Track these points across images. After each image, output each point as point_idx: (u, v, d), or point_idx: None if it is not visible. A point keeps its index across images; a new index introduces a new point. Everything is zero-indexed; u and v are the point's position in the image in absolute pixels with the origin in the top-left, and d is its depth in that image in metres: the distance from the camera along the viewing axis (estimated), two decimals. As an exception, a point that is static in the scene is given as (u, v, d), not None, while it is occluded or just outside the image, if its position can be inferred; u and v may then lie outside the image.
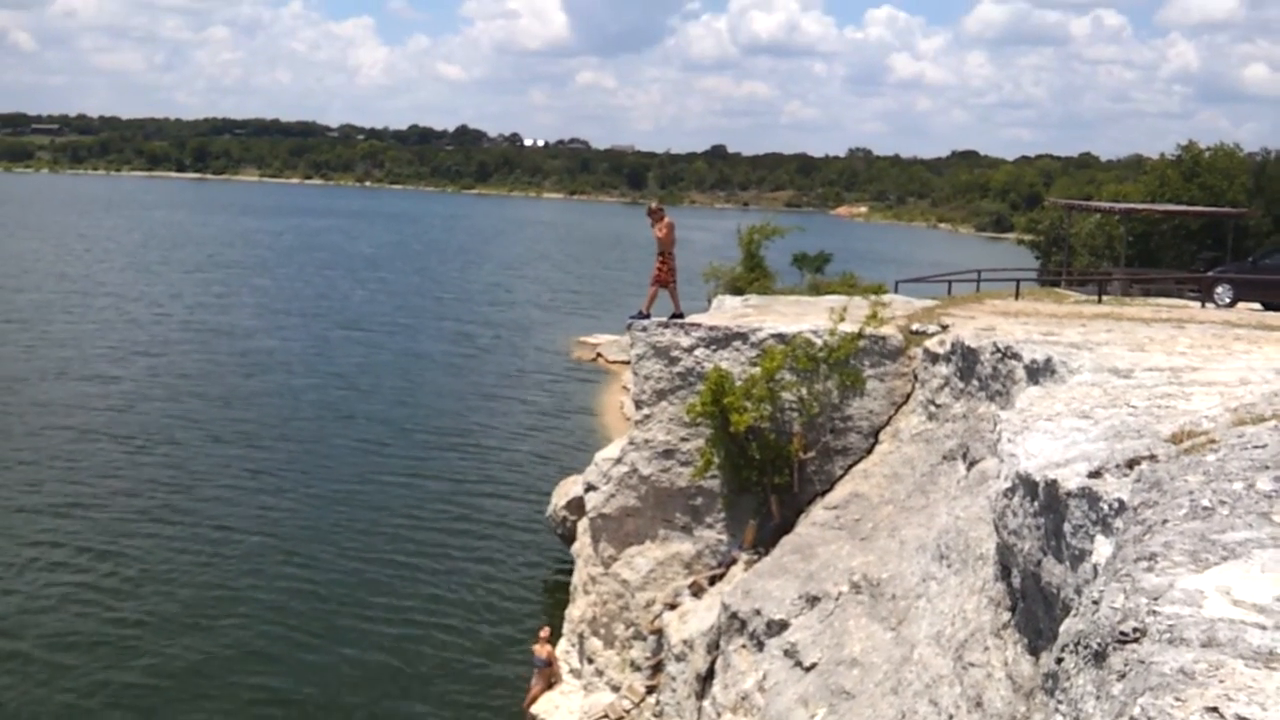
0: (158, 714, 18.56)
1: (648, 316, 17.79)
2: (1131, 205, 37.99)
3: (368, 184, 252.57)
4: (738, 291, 35.81)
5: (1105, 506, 5.17)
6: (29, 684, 19.19)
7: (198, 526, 26.87)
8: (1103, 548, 5.03)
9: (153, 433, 34.99)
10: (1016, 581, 6.73)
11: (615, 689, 17.39)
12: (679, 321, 17.75)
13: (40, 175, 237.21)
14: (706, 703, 14.02)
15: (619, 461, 17.76)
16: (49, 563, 24.42)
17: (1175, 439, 5.80)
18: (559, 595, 21.94)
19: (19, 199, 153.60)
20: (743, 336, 17.03)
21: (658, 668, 16.31)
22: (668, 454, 17.26)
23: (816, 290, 38.10)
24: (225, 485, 30.09)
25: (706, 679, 14.42)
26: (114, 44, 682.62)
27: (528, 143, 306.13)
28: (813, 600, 12.71)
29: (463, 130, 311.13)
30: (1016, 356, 12.25)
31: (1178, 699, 2.72)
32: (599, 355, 50.07)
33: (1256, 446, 4.91)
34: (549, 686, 18.75)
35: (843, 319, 16.45)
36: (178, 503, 28.53)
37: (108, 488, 29.46)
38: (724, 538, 16.99)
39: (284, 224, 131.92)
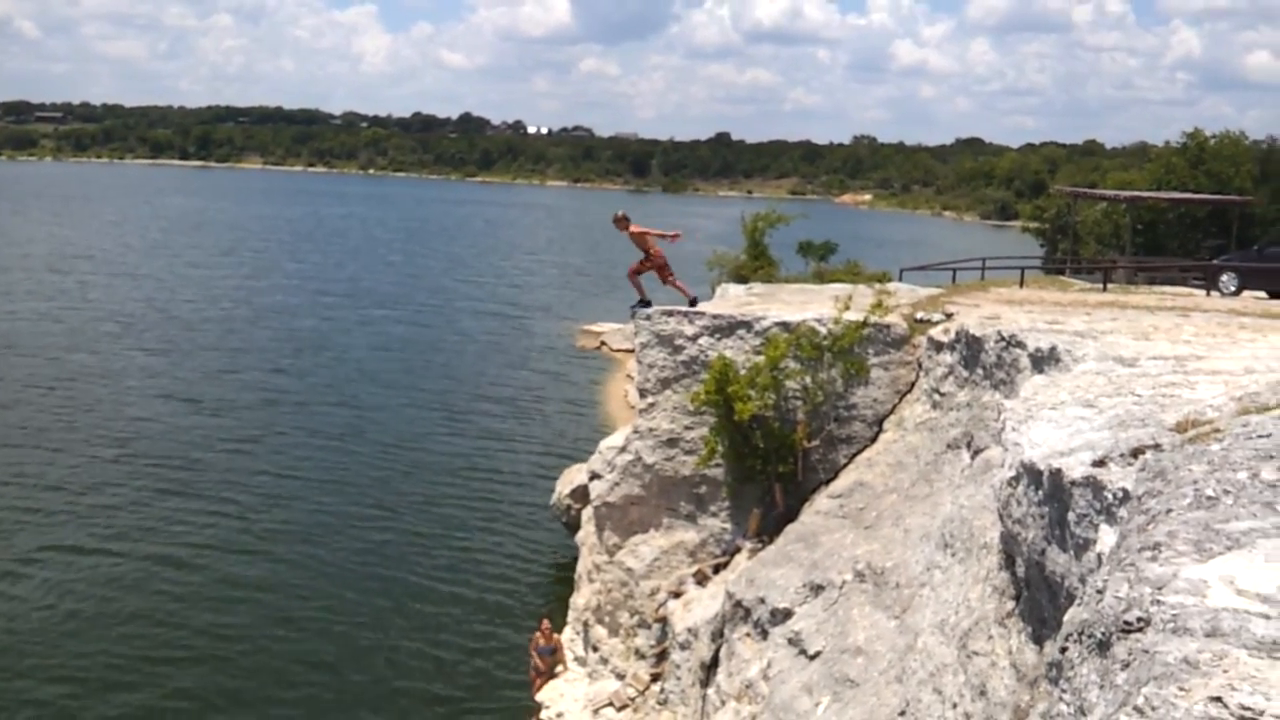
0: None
1: (649, 304, 17.76)
2: (1137, 193, 37.89)
3: (371, 171, 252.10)
4: (742, 280, 35.80)
5: (1109, 496, 5.17)
6: (101, 623, 21.28)
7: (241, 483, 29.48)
8: (1107, 537, 5.04)
9: (205, 399, 37.69)
10: (1020, 570, 6.74)
11: (620, 677, 17.44)
12: (689, 310, 17.60)
13: (44, 163, 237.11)
14: (711, 691, 14.05)
15: (623, 450, 17.77)
16: (133, 510, 27.01)
17: (1180, 428, 5.79)
18: (563, 583, 21.98)
19: (31, 187, 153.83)
20: (747, 325, 17.00)
21: (662, 656, 16.36)
22: (672, 442, 17.26)
23: (821, 278, 38.03)
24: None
25: (711, 667, 14.45)
26: (117, 31, 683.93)
27: (531, 130, 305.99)
28: (817, 589, 12.72)
29: (466, 118, 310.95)
30: (1021, 345, 12.23)
31: (1181, 689, 2.72)
32: (603, 343, 50.05)
33: (1261, 436, 4.89)
34: (553, 675, 18.80)
35: (847, 307, 16.41)
36: (233, 460, 31.41)
37: (171, 444, 32.46)
38: (728, 526, 17.01)
39: (297, 210, 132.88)
